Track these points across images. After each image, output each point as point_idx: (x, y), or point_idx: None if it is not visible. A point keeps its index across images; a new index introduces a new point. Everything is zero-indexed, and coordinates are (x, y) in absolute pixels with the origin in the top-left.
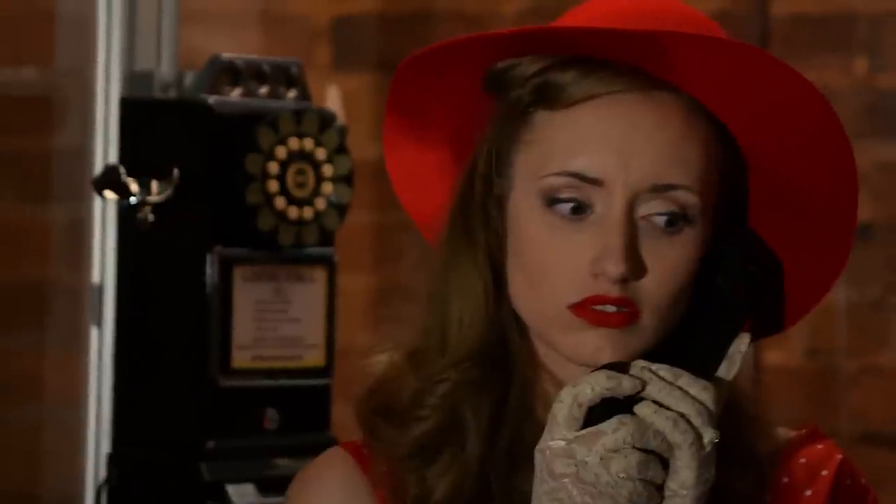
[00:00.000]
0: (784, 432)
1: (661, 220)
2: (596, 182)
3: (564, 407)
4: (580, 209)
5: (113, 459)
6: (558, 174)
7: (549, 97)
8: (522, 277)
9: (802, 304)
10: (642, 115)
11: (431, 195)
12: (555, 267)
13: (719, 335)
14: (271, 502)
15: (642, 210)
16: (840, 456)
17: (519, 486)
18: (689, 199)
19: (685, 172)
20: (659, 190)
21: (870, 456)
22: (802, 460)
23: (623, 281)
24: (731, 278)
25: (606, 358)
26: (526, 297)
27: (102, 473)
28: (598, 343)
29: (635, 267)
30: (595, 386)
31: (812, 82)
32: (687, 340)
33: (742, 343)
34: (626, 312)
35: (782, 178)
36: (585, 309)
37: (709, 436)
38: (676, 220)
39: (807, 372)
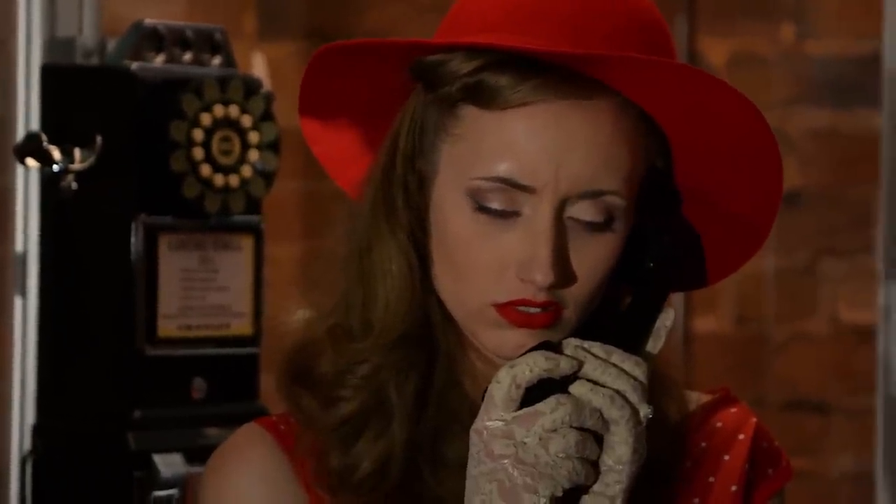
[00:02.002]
0: (696, 396)
1: (588, 222)
2: (527, 189)
3: (503, 388)
4: (508, 213)
5: (38, 430)
6: (488, 179)
7: (481, 99)
8: (447, 270)
9: (724, 269)
10: (574, 123)
11: (357, 165)
12: (481, 266)
13: (645, 311)
14: (199, 471)
15: (570, 211)
16: (755, 419)
17: (445, 454)
18: (617, 202)
19: (614, 178)
20: (588, 196)
21: (797, 422)
22: (718, 424)
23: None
24: (657, 260)
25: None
26: (450, 289)
27: (27, 445)
28: (520, 341)
29: (563, 276)
30: (534, 367)
31: (742, 94)
32: (614, 317)
33: (667, 318)
34: (550, 312)
35: (708, 169)
36: (510, 310)
37: (644, 411)
38: (602, 222)
39: (736, 339)
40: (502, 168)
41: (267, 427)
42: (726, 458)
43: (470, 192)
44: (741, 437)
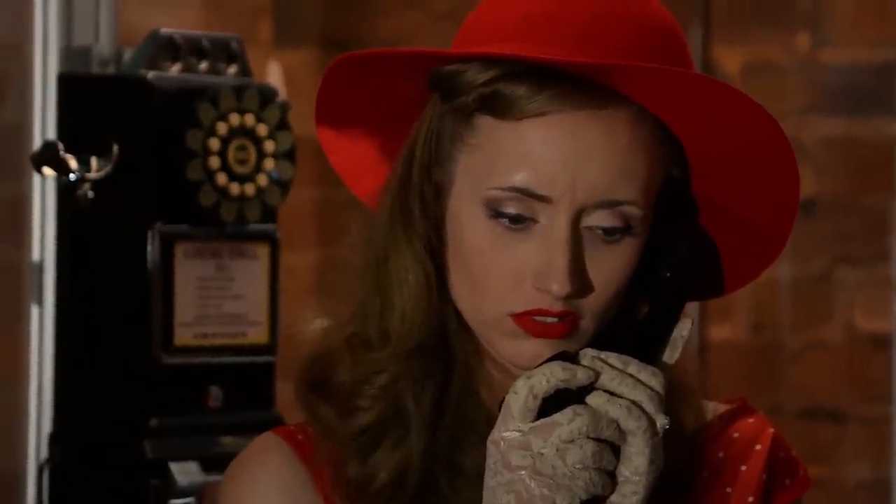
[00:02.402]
0: (713, 406)
1: (604, 231)
2: (543, 199)
3: (520, 398)
4: (525, 220)
5: (55, 439)
6: (504, 189)
7: (497, 109)
8: (464, 280)
9: (742, 278)
10: (590, 133)
11: (373, 175)
12: (497, 275)
13: (662, 321)
14: (215, 480)
15: (587, 221)
16: (772, 430)
17: (462, 464)
18: (634, 212)
19: (631, 187)
20: (605, 206)
21: (812, 430)
22: (735, 434)
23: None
24: (674, 269)
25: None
26: (467, 299)
27: (45, 453)
28: (537, 351)
29: (580, 285)
30: (551, 378)
31: (759, 104)
32: (630, 327)
33: (684, 328)
34: (567, 322)
35: (725, 178)
36: (527, 319)
37: (661, 421)
38: (619, 232)
39: (751, 347)
40: (518, 178)
41: (285, 437)
42: (743, 468)
43: (486, 201)
44: (758, 447)
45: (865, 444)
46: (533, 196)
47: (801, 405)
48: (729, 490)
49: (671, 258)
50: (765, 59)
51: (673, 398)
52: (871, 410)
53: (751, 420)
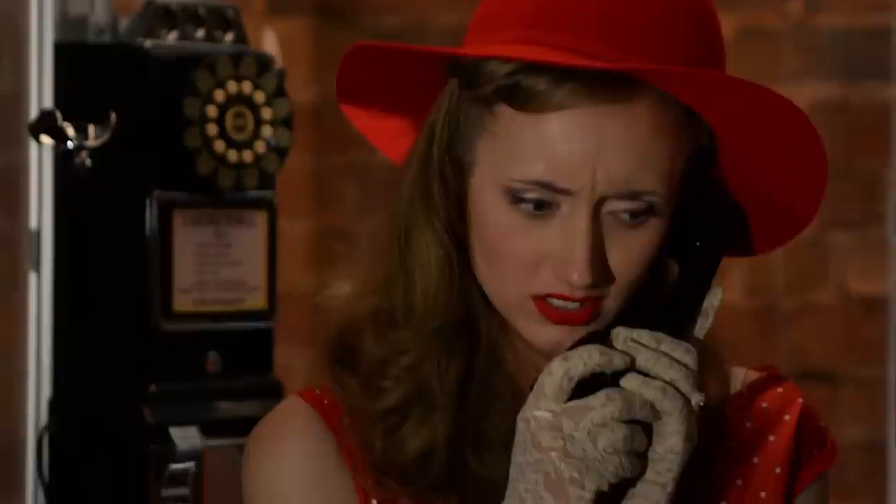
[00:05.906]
0: (742, 372)
1: (627, 215)
2: (564, 191)
3: (555, 379)
4: (546, 206)
5: (54, 405)
6: (525, 181)
7: (517, 101)
8: (485, 260)
9: (766, 245)
10: (611, 126)
11: (405, 140)
12: (519, 258)
13: (693, 291)
14: (215, 444)
15: (608, 207)
16: (801, 399)
17: (488, 433)
18: (656, 200)
19: (651, 177)
20: (626, 197)
21: (806, 392)
22: (764, 405)
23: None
24: (705, 237)
25: (566, 346)
26: (489, 279)
27: (44, 419)
28: (558, 336)
29: (600, 274)
30: (588, 362)
31: (788, 99)
32: (660, 298)
33: (715, 297)
34: (588, 307)
35: (753, 161)
36: (547, 306)
37: (696, 398)
38: (641, 215)
39: (745, 310)
40: (538, 171)
41: (311, 401)
42: (771, 439)
43: (507, 190)
44: (787, 417)
45: (859, 406)
46: (554, 189)
47: (796, 368)
48: (756, 460)
49: (702, 226)
50: (758, 24)
51: (700, 367)
52: (864, 372)
53: (780, 389)
